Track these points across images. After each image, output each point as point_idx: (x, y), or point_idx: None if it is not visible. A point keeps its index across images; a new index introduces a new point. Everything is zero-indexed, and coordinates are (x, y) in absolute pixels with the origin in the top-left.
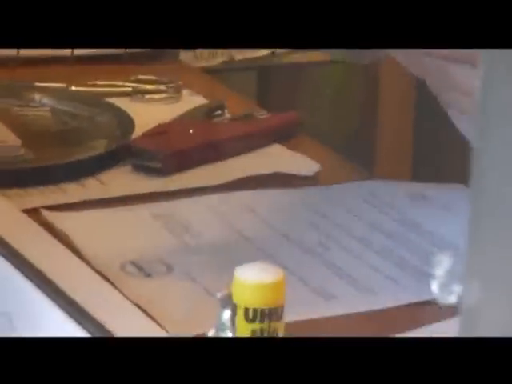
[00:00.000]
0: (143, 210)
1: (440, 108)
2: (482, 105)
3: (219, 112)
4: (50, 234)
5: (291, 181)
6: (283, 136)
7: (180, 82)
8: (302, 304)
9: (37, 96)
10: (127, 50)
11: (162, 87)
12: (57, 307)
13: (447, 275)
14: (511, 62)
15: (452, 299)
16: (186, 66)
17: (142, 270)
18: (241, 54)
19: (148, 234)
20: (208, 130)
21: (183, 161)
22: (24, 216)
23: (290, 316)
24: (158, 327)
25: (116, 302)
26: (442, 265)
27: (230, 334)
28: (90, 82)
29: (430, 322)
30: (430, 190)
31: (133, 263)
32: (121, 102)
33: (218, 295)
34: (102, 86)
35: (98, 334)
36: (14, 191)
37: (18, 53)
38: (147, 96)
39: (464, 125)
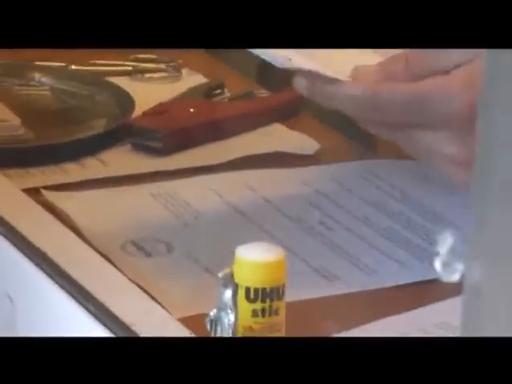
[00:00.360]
0: (143, 190)
1: None
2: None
3: (219, 91)
4: (50, 213)
5: (292, 160)
6: (284, 115)
7: (180, 61)
8: (304, 283)
9: (36, 75)
10: None
11: (162, 66)
12: (57, 286)
13: (450, 254)
14: None
15: (455, 278)
16: None
17: (142, 249)
18: None
19: (148, 213)
20: (208, 109)
21: (183, 140)
22: (24, 195)
23: (291, 296)
24: (158, 307)
25: (116, 281)
26: (445, 243)
27: (231, 315)
28: (89, 61)
29: (433, 301)
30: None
31: (133, 243)
32: (120, 81)
33: (220, 275)
34: (101, 65)
35: (97, 313)
36: (14, 171)
37: None
38: (147, 75)
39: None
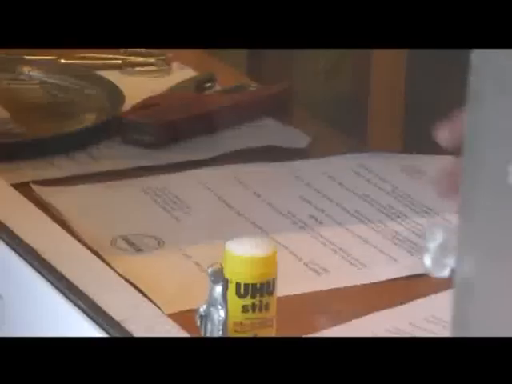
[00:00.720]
0: (134, 185)
1: (433, 78)
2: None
3: (209, 84)
4: (39, 208)
5: (283, 154)
6: (274, 108)
7: (170, 55)
8: (294, 278)
9: (26, 69)
10: None
11: (152, 60)
12: (47, 282)
13: (440, 249)
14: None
15: (445, 273)
16: None
17: (132, 244)
18: None
19: (139, 208)
20: (198, 103)
21: (174, 133)
22: (13, 191)
23: (281, 290)
24: (149, 302)
25: (107, 277)
26: (435, 238)
27: (221, 310)
28: (79, 55)
29: (424, 295)
30: (424, 162)
31: (123, 238)
32: (110, 75)
33: (209, 270)
34: (91, 58)
35: (87, 309)
36: (4, 165)
37: None
38: (137, 68)
39: None
